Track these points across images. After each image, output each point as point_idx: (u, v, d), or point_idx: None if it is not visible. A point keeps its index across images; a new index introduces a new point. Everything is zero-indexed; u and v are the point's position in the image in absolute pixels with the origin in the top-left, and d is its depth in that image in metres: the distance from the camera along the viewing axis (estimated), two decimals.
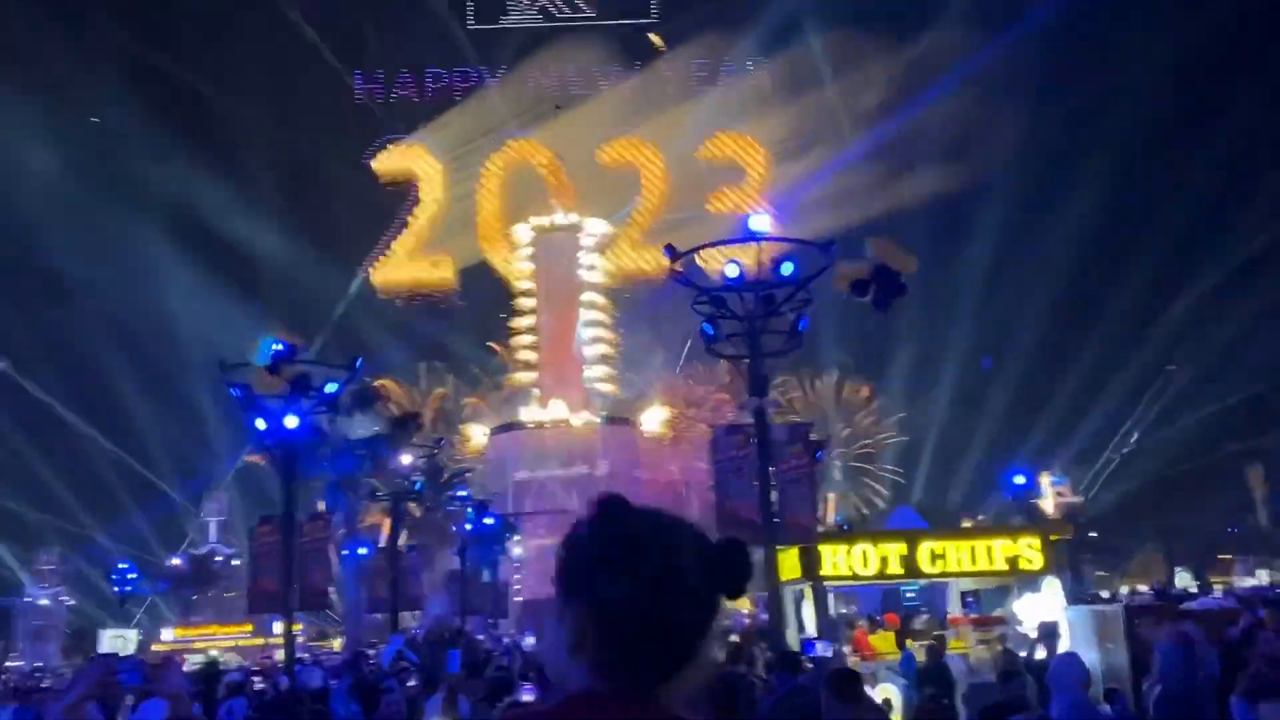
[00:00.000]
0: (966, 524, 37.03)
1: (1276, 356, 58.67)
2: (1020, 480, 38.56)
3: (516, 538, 42.34)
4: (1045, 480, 48.27)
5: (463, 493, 26.58)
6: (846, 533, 17.47)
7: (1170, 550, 53.41)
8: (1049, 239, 65.49)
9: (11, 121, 63.96)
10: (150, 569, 46.36)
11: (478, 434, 64.00)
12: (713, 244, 12.29)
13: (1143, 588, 35.51)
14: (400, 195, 76.63)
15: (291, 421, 15.00)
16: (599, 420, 63.39)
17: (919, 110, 68.09)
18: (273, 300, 63.81)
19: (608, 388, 67.56)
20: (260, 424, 14.97)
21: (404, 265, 74.91)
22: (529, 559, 52.06)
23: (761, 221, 11.36)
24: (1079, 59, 71.05)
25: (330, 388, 15.47)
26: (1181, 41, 65.05)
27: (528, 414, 64.21)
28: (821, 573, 13.84)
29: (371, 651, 16.84)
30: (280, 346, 14.96)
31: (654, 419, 65.60)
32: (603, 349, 68.00)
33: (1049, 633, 13.86)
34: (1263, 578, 43.65)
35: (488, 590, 31.33)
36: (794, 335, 12.25)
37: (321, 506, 21.09)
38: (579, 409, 63.79)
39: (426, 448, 24.30)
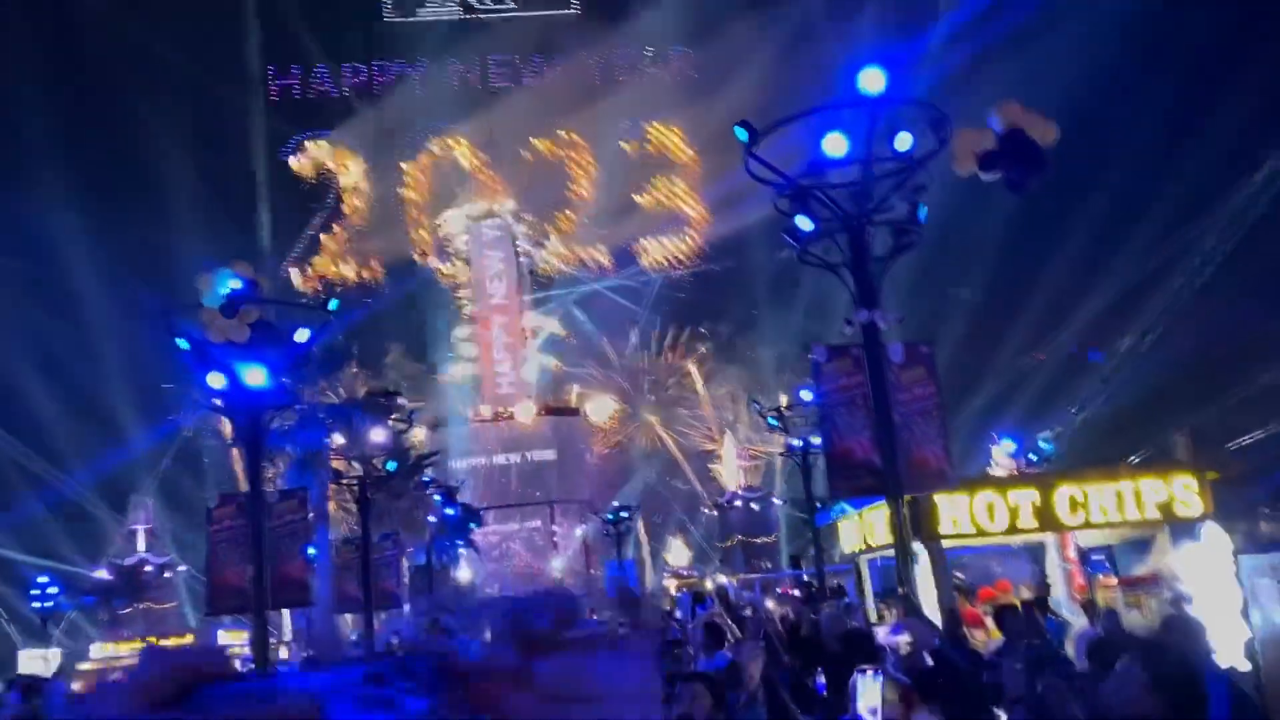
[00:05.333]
0: None
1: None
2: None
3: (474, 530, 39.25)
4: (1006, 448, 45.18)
5: (427, 478, 23.59)
6: (964, 480, 14.76)
7: None
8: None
9: None
10: (71, 581, 42.17)
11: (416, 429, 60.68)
12: (805, 113, 9.79)
13: None
14: (318, 191, 74.07)
15: (256, 376, 12.05)
16: (542, 412, 60.89)
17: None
18: (189, 296, 58.66)
19: (551, 379, 65.23)
20: (217, 380, 11.99)
21: (331, 265, 72.61)
22: (485, 553, 48.98)
23: (874, 79, 8.78)
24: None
25: (301, 335, 12.53)
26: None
27: (470, 409, 61.48)
28: (938, 530, 11.40)
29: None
30: (239, 283, 11.98)
31: (601, 410, 63.34)
32: (542, 339, 65.73)
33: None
34: None
35: (451, 587, 28.53)
36: (906, 230, 9.78)
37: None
38: (520, 400, 61.23)
39: (400, 419, 21.08)
